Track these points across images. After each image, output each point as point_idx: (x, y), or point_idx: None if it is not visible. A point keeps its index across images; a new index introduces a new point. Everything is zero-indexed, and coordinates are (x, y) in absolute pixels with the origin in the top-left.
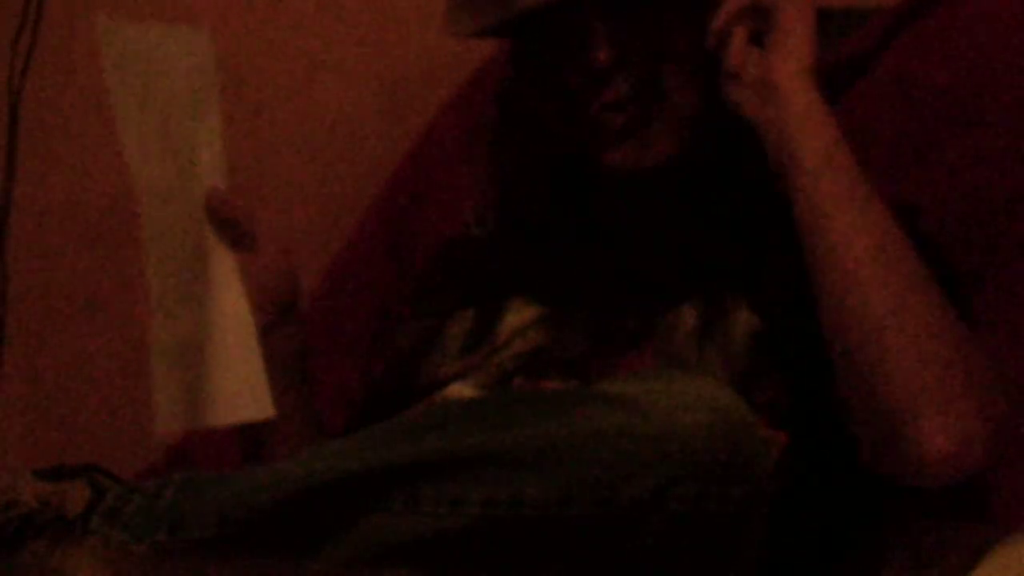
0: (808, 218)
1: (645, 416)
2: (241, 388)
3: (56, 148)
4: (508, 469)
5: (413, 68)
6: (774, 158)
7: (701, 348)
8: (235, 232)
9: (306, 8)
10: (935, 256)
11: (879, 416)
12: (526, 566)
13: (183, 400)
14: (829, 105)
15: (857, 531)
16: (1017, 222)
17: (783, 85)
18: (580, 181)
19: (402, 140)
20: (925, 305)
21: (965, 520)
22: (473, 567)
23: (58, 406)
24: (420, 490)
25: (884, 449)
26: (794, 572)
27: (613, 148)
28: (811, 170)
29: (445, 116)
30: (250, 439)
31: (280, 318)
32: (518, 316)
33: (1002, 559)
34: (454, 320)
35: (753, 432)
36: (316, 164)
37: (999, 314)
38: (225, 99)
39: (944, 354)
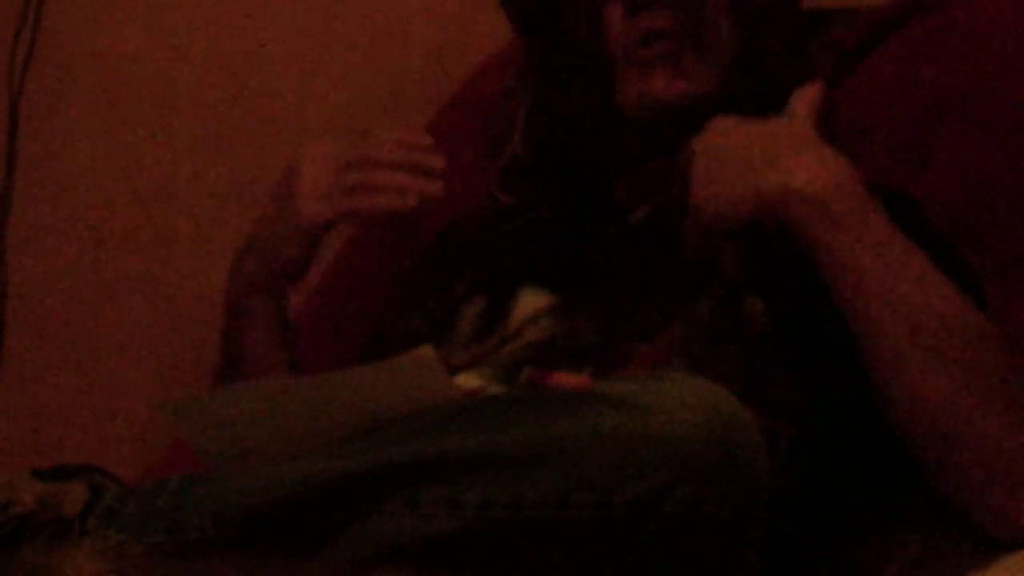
0: (847, 300)
1: (643, 418)
2: None
3: (56, 148)
4: (506, 470)
5: (413, 68)
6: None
7: (715, 342)
8: None
9: (306, 8)
10: (946, 254)
11: (953, 492)
12: (523, 567)
13: None
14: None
15: (863, 530)
16: (1017, 222)
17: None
18: (604, 136)
19: None
20: (986, 397)
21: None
22: (471, 568)
23: (58, 406)
24: (418, 491)
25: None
26: (797, 571)
27: (646, 76)
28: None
29: (445, 115)
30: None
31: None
32: (530, 304)
33: (1011, 563)
34: (464, 308)
35: (750, 434)
36: None
37: (1000, 314)
38: (225, 99)
39: (1008, 432)
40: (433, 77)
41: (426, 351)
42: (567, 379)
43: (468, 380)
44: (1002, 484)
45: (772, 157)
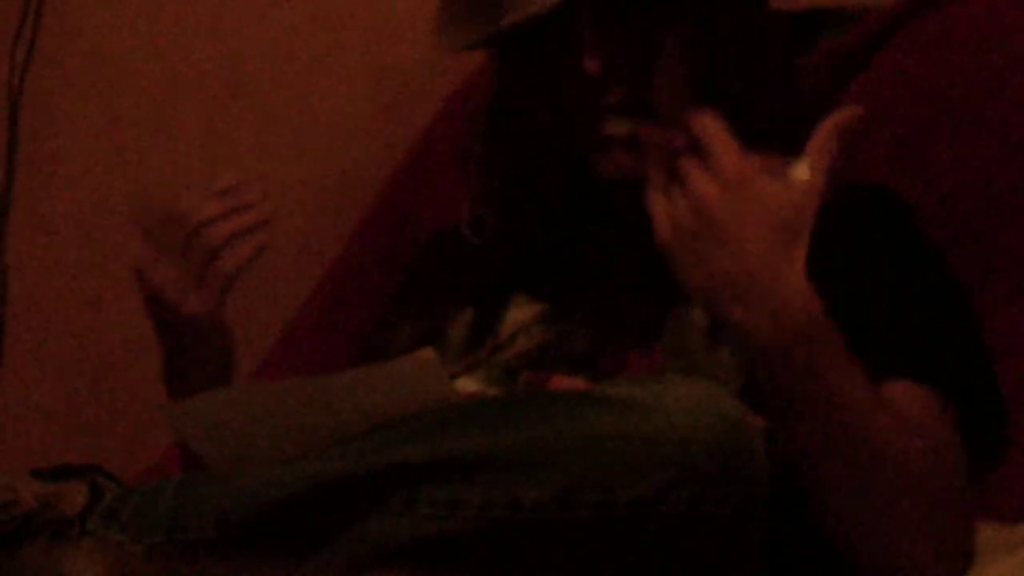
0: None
1: (643, 419)
2: None
3: (56, 148)
4: (506, 471)
5: (413, 68)
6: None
7: (711, 346)
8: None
9: (306, 8)
10: (936, 270)
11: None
12: (524, 568)
13: None
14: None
15: None
16: (1015, 221)
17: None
18: (580, 183)
19: (402, 140)
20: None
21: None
22: (471, 569)
23: (58, 406)
24: (418, 492)
25: None
26: (798, 572)
27: (611, 157)
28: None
29: (445, 116)
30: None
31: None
32: (521, 313)
33: (1013, 562)
34: (456, 319)
35: (750, 435)
36: (316, 164)
37: (1000, 313)
38: (225, 99)
39: (934, 552)
40: (432, 77)
41: (426, 353)
42: (565, 382)
43: (466, 385)
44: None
45: (738, 286)
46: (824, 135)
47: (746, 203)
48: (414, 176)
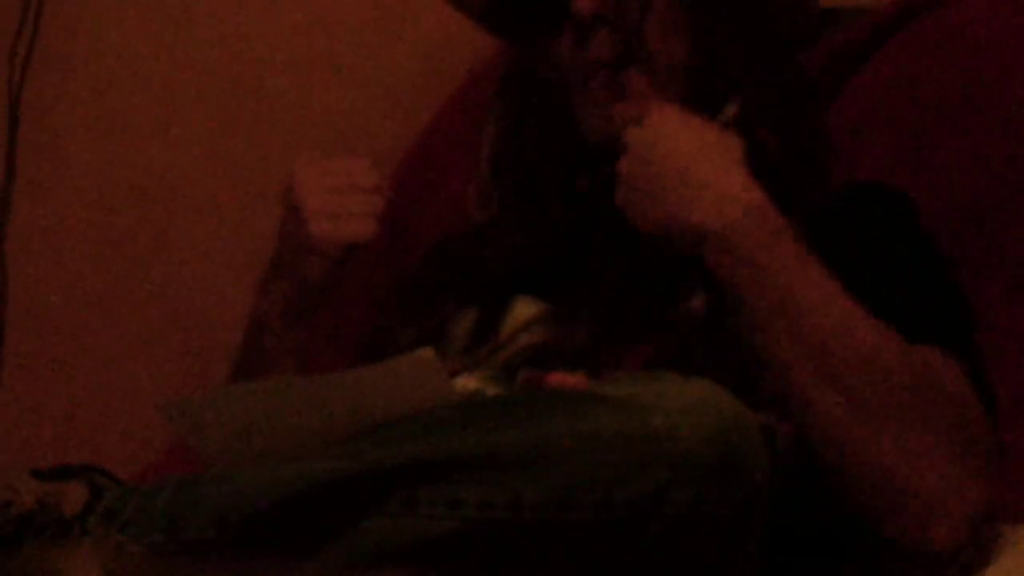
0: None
1: (643, 418)
2: None
3: (56, 148)
4: (506, 471)
5: (413, 68)
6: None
7: (709, 340)
8: None
9: (306, 8)
10: (933, 260)
11: (877, 514)
12: (524, 568)
13: None
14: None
15: (863, 527)
16: (1015, 221)
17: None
18: (582, 185)
19: (402, 140)
20: (909, 415)
21: None
22: (471, 569)
23: (58, 406)
24: (418, 492)
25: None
26: (798, 570)
27: (600, 108)
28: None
29: (445, 116)
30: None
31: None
32: (522, 312)
33: (1014, 557)
34: (457, 319)
35: (750, 434)
36: None
37: (998, 313)
38: (225, 99)
39: (939, 452)
40: (432, 78)
41: (426, 353)
42: (564, 379)
43: (466, 382)
44: (907, 514)
45: (681, 186)
46: None
47: (673, 129)
48: (414, 176)
